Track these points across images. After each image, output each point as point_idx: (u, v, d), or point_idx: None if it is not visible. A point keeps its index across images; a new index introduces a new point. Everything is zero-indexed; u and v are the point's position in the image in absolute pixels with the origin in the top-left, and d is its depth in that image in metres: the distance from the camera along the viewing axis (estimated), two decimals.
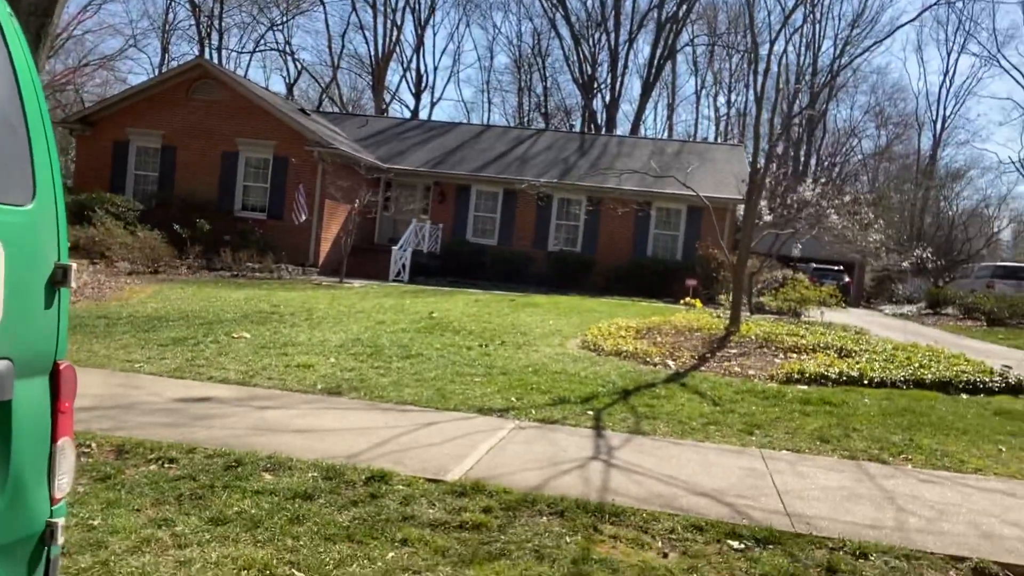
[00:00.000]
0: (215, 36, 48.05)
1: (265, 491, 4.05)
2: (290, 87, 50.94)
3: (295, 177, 20.86)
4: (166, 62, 47.37)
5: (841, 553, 3.81)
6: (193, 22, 46.97)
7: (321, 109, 40.67)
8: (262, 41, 50.45)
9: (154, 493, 3.93)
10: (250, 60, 62.09)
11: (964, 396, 8.46)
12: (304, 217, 20.09)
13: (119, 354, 7.77)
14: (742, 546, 3.83)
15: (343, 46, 51.83)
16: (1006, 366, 9.94)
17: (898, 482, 5.15)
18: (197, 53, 45.23)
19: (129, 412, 5.57)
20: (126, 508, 3.70)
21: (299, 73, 52.00)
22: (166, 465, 4.40)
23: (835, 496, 4.73)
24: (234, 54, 51.19)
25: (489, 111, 63.91)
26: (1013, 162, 74.41)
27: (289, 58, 52.02)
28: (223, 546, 3.37)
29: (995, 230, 41.91)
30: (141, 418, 5.42)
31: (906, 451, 5.97)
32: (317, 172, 21.08)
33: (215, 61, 40.83)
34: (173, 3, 47.32)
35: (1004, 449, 6.30)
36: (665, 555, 3.67)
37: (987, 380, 8.99)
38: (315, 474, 4.40)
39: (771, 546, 3.84)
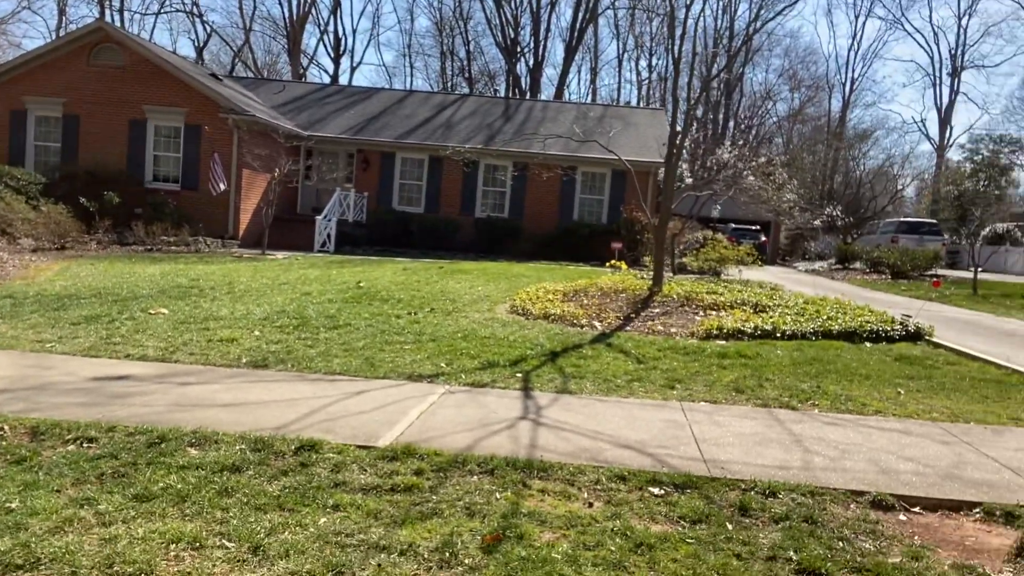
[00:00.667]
0: None
1: (191, 466, 4.01)
2: (199, 51, 48.66)
3: (209, 146, 20.08)
4: (63, 25, 44.48)
5: (752, 493, 4.07)
6: None
7: (234, 74, 39.05)
8: (167, 2, 47.87)
9: (74, 473, 3.84)
10: (155, 22, 58.95)
11: (868, 345, 9.02)
12: (222, 187, 19.41)
13: (28, 334, 7.42)
14: (662, 492, 4.04)
15: (255, 7, 49.89)
16: (906, 315, 10.61)
17: (805, 426, 5.49)
18: (97, 15, 42.54)
19: (43, 393, 5.36)
20: (45, 489, 3.61)
21: (209, 36, 49.74)
22: (85, 445, 4.28)
23: (748, 442, 5.02)
24: (137, 16, 48.50)
25: (411, 76, 62.82)
26: (916, 122, 78.62)
27: (197, 20, 49.66)
28: (149, 522, 3.33)
29: (899, 188, 44.12)
30: (56, 399, 5.23)
31: (814, 397, 6.37)
32: (233, 140, 20.33)
33: (117, 24, 38.51)
34: None
35: (903, 392, 6.78)
36: (591, 504, 3.84)
37: (889, 329, 9.60)
38: (243, 447, 4.36)
39: (689, 490, 4.07)
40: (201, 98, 20.32)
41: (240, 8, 49.42)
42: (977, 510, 4.06)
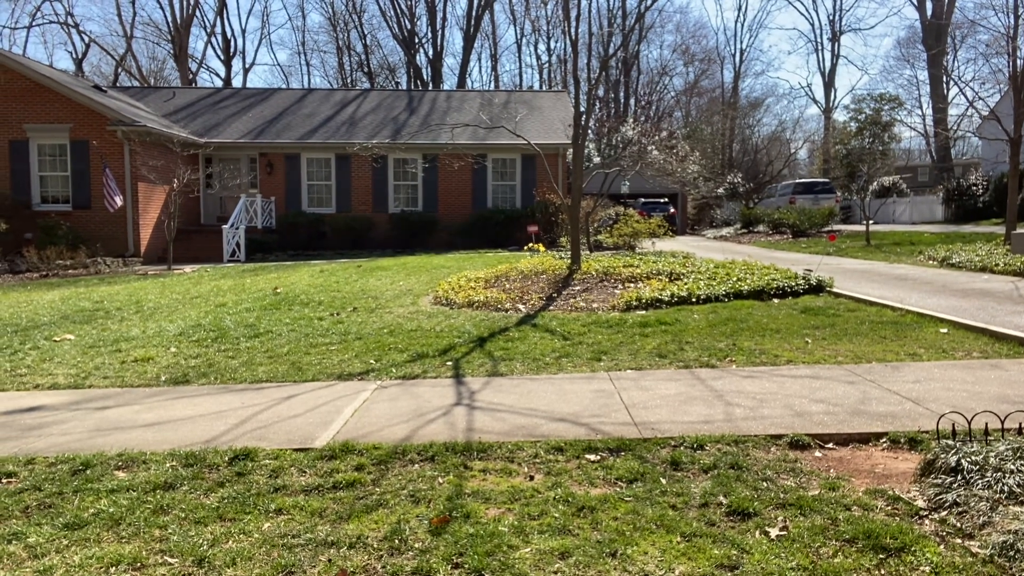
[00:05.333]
0: None
1: (121, 488, 3.89)
2: (79, 63, 46.00)
3: (99, 161, 19.10)
4: None
5: (682, 448, 4.28)
6: None
7: (119, 85, 37.15)
8: (39, 14, 45.02)
9: None
10: (27, 36, 55.31)
11: (776, 301, 9.53)
12: (119, 201, 18.51)
13: None
14: (598, 458, 4.20)
15: (135, 13, 47.37)
16: (808, 270, 11.24)
17: (725, 382, 5.79)
18: None
19: None
20: None
21: (87, 47, 47.10)
22: (4, 480, 4.08)
23: (674, 402, 5.26)
24: (7, 31, 45.37)
25: (309, 74, 61.36)
26: (802, 87, 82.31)
27: (73, 31, 46.94)
28: (85, 548, 3.23)
29: (792, 151, 46.36)
30: None
31: (731, 354, 6.70)
32: (124, 153, 19.42)
33: None
34: None
35: (810, 341, 7.22)
36: (531, 478, 3.95)
37: (794, 284, 10.16)
38: (173, 463, 4.26)
39: (623, 453, 4.24)
40: (86, 112, 19.29)
41: (119, 15, 47.01)
42: (884, 439, 4.41)
